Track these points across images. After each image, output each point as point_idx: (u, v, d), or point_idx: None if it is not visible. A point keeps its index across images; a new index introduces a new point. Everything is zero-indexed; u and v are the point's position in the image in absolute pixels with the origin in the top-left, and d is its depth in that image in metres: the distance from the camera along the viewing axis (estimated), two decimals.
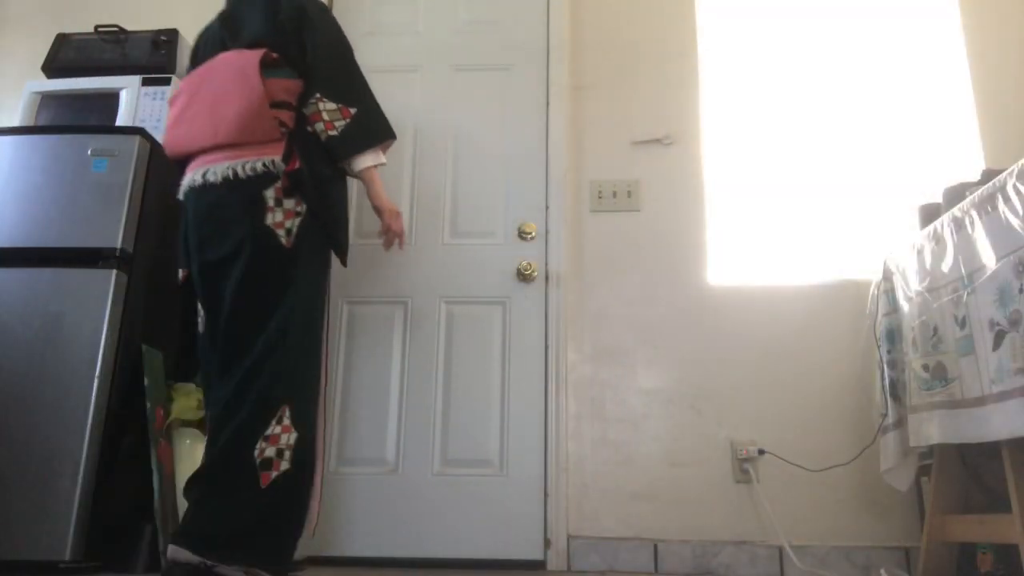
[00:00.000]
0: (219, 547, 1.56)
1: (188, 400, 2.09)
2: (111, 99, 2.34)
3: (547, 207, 2.52)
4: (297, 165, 1.79)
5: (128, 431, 2.00)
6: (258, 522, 1.62)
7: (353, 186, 2.36)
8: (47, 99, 2.37)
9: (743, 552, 2.21)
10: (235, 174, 1.75)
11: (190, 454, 2.08)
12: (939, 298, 1.78)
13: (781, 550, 2.18)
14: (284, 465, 1.65)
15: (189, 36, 2.56)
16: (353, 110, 1.87)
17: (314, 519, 1.94)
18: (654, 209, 2.56)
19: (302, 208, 1.79)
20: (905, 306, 1.98)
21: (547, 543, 2.24)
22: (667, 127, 2.63)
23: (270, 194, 1.76)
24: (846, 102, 2.67)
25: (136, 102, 2.32)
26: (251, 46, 1.86)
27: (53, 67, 2.45)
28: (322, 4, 2.06)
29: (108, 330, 1.93)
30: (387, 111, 2.60)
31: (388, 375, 2.44)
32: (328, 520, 2.33)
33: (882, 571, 2.03)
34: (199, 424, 2.10)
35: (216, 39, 1.98)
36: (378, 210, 1.97)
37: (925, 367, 1.82)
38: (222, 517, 1.60)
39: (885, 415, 2.03)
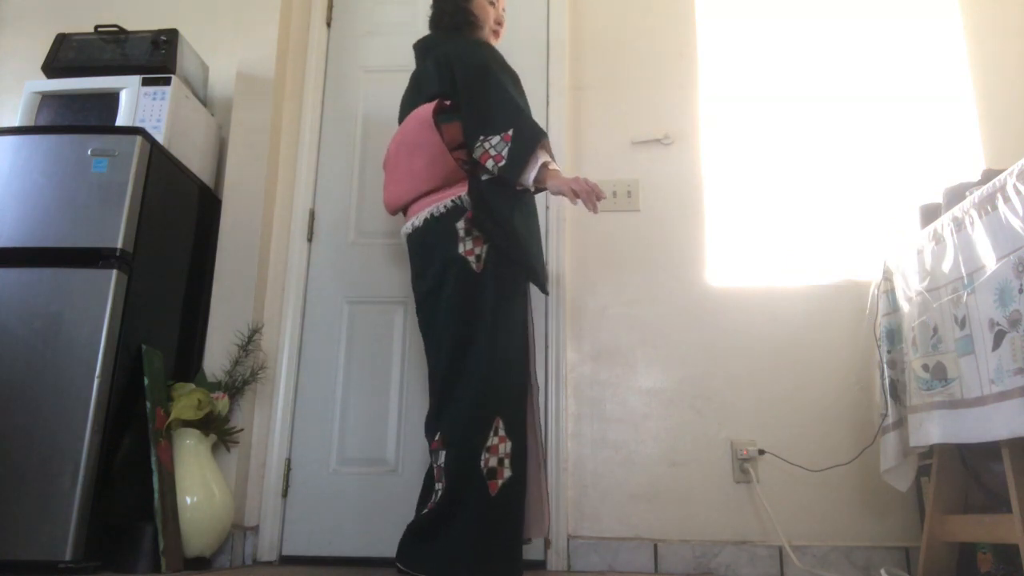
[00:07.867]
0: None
1: (188, 400, 2.09)
2: (111, 99, 2.34)
3: (547, 207, 2.52)
4: (470, 215, 1.90)
5: (128, 431, 2.00)
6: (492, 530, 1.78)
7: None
8: (47, 99, 2.36)
9: (743, 552, 2.21)
10: (432, 215, 1.94)
11: (190, 454, 2.08)
12: (939, 298, 1.78)
13: (781, 550, 2.18)
14: (507, 472, 1.81)
15: (189, 36, 2.56)
16: (511, 131, 1.88)
17: (546, 522, 2.02)
18: (654, 209, 2.56)
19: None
20: (905, 306, 1.98)
21: (547, 543, 2.24)
22: (666, 127, 2.63)
23: (460, 225, 1.91)
24: (846, 102, 2.66)
25: (136, 102, 2.31)
26: (431, 99, 2.01)
27: (53, 67, 2.45)
28: (474, 41, 2.12)
29: (108, 330, 1.94)
30: (387, 111, 2.58)
31: (388, 375, 2.45)
32: (327, 520, 2.33)
33: (882, 571, 2.03)
34: (199, 424, 2.10)
35: (408, 101, 2.15)
36: (565, 195, 1.87)
37: (925, 367, 1.82)
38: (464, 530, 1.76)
39: (885, 415, 2.03)
